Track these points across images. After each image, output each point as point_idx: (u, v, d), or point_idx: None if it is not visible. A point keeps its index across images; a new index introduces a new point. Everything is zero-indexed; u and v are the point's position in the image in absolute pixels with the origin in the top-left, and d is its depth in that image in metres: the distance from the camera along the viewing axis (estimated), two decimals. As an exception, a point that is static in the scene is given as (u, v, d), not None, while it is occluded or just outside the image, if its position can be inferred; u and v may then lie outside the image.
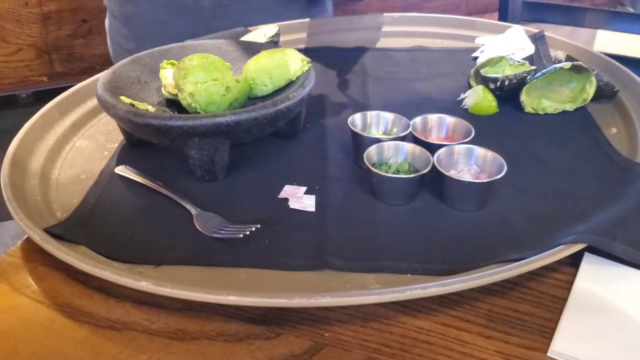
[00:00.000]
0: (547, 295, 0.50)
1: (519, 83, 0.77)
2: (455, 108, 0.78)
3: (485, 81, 0.80)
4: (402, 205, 0.59)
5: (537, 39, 0.93)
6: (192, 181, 0.63)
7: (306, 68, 0.68)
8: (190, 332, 0.47)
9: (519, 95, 0.78)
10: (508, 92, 0.78)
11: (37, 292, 0.51)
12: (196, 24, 1.00)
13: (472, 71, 0.84)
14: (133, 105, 0.63)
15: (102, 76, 0.67)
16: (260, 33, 0.86)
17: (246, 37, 0.86)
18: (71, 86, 0.76)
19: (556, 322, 0.47)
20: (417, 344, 0.45)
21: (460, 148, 0.61)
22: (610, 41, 1.38)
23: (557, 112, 0.77)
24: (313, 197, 0.61)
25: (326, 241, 0.55)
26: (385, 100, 0.81)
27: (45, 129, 0.70)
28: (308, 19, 1.01)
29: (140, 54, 0.72)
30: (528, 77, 0.77)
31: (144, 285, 0.47)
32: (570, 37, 0.94)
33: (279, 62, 0.67)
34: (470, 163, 0.60)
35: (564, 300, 0.49)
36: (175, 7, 1.01)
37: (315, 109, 0.77)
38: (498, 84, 0.78)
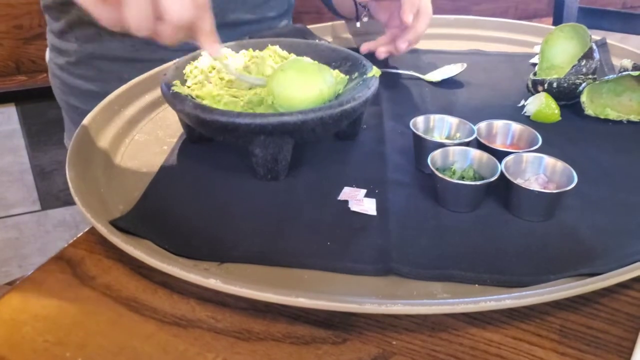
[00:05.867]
0: (622, 313, 0.48)
1: (570, 88, 0.75)
2: (516, 114, 0.76)
3: (534, 84, 0.78)
4: (466, 213, 0.58)
5: (599, 47, 0.91)
6: (253, 179, 0.62)
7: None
8: (256, 332, 0.46)
9: (578, 102, 0.76)
10: (558, 96, 0.76)
11: (102, 285, 0.51)
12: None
13: (530, 77, 0.82)
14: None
15: (166, 71, 0.67)
16: None
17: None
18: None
19: (633, 341, 0.45)
20: (489, 357, 0.44)
21: (528, 156, 0.59)
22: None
23: (619, 119, 0.75)
24: (373, 200, 0.60)
25: (390, 247, 0.54)
26: (443, 104, 0.80)
27: (107, 121, 0.70)
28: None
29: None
30: (583, 84, 0.75)
31: (213, 282, 0.46)
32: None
33: None
34: (539, 172, 0.59)
35: (639, 319, 0.47)
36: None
37: (372, 111, 0.77)
38: (546, 86, 0.76)
